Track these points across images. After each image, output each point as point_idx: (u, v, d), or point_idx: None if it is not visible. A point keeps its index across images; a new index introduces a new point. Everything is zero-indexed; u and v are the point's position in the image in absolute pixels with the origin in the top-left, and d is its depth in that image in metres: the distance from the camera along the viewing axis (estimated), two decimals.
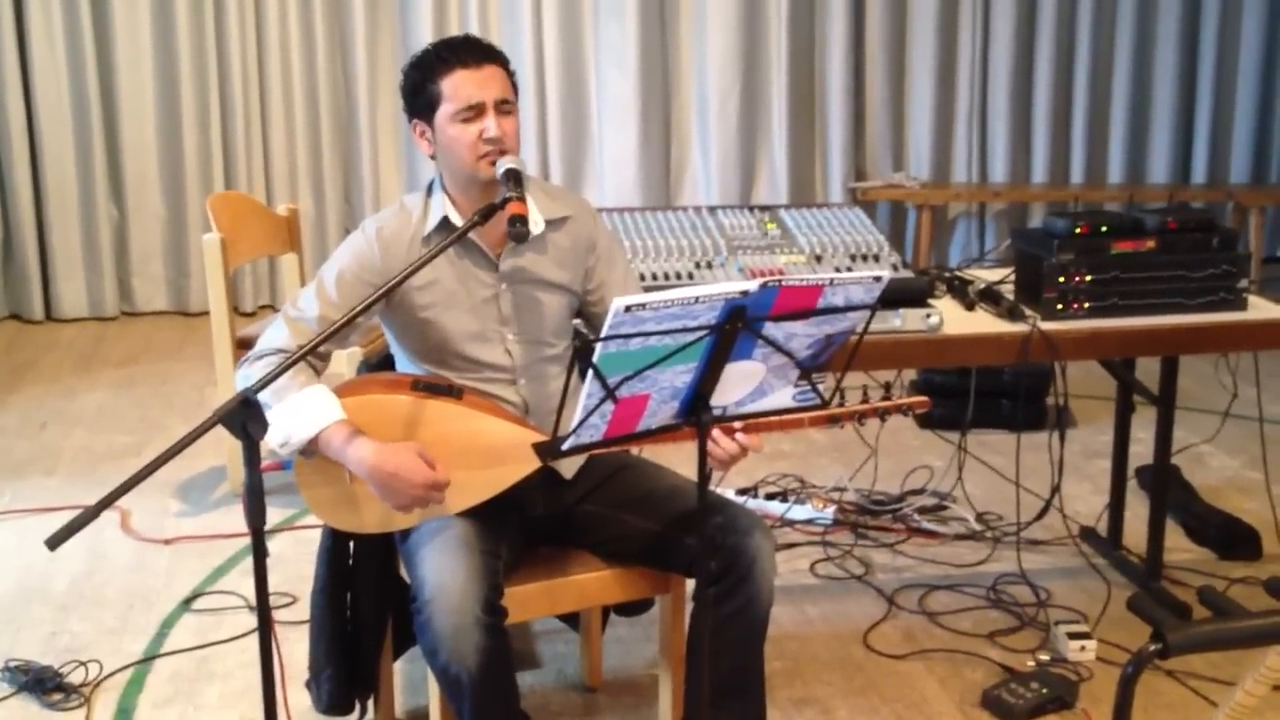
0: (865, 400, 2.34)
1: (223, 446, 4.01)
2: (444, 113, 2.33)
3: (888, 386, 2.40)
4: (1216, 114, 6.76)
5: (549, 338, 2.47)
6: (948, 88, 6.65)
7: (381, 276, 2.33)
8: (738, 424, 2.19)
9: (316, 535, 2.58)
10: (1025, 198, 6.71)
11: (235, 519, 3.82)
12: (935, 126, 6.66)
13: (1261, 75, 6.74)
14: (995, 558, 3.56)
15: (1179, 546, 3.62)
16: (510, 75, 2.38)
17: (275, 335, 2.35)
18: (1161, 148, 6.76)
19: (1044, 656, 3.03)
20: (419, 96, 2.36)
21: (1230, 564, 3.54)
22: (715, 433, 2.20)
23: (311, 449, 2.24)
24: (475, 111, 2.31)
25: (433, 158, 2.42)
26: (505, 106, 2.34)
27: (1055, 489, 3.43)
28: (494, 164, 2.31)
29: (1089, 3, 6.56)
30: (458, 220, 2.38)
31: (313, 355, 2.29)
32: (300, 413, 2.21)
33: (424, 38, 6.07)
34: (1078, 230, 2.99)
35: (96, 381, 5.23)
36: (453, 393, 2.33)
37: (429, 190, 2.45)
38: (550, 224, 2.45)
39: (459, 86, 2.31)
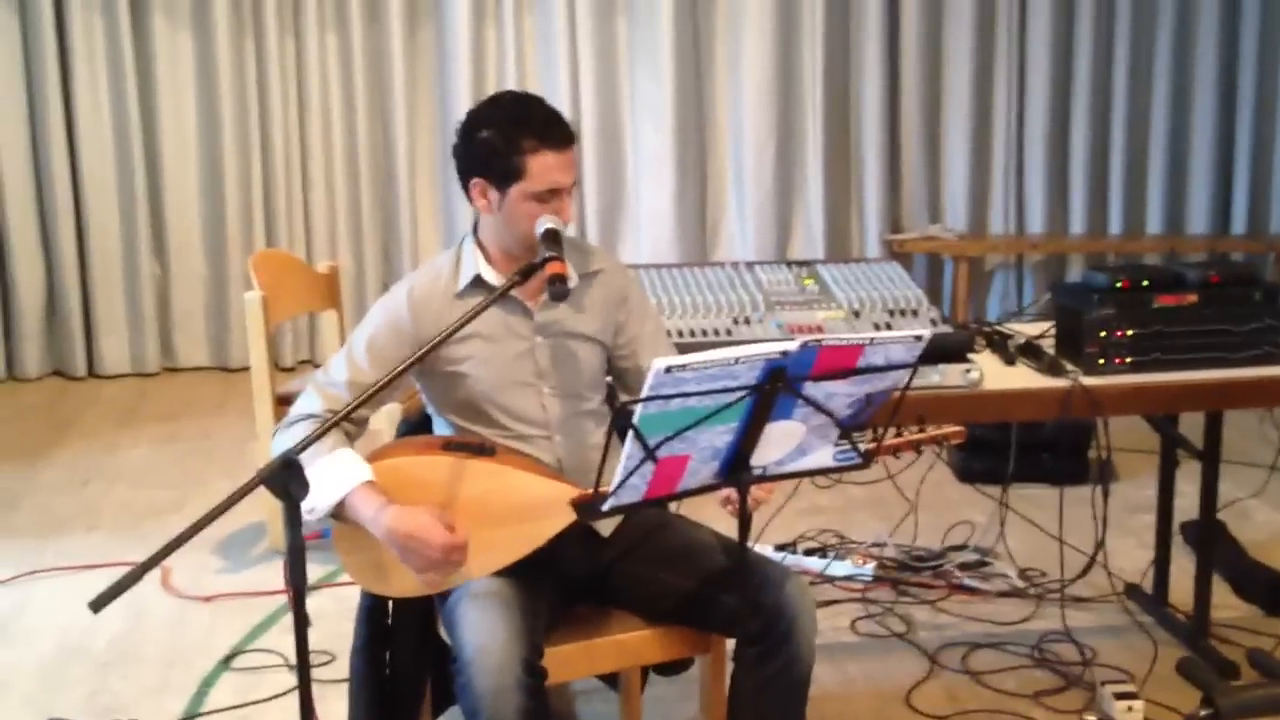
0: (899, 434, 2.32)
1: (262, 503, 4.00)
2: (522, 188, 2.32)
3: (921, 419, 2.36)
4: (1256, 164, 6.71)
5: (585, 391, 2.47)
6: (983, 138, 6.64)
7: (413, 338, 2.35)
8: None
9: (355, 593, 2.58)
10: (1063, 249, 6.67)
11: (275, 576, 3.83)
12: (971, 177, 6.64)
13: None
14: (1039, 615, 3.52)
15: (1226, 603, 3.56)
16: None
17: (306, 402, 2.37)
18: (1200, 198, 6.71)
19: (1090, 717, 2.98)
20: (494, 163, 2.33)
21: (1277, 621, 3.47)
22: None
23: (341, 513, 2.24)
24: (553, 193, 2.33)
25: (481, 211, 2.42)
26: (573, 186, 2.36)
27: (1099, 545, 3.39)
28: None
29: (1124, 52, 6.54)
30: (490, 276, 2.39)
31: (346, 421, 2.31)
32: (325, 478, 2.22)
33: (461, 97, 6.14)
34: (1118, 284, 2.97)
35: (138, 437, 5.28)
36: (485, 450, 2.33)
37: (460, 245, 2.46)
38: (583, 278, 2.46)
39: (546, 171, 2.31)
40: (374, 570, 2.32)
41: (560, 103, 6.26)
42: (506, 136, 2.32)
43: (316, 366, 5.68)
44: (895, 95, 6.56)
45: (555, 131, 2.32)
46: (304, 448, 1.97)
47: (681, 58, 6.33)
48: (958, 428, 2.36)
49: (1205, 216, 6.70)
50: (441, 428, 2.50)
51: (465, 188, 2.40)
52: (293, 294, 4.16)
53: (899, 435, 2.31)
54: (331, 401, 2.33)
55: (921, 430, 2.34)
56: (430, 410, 2.52)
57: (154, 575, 3.81)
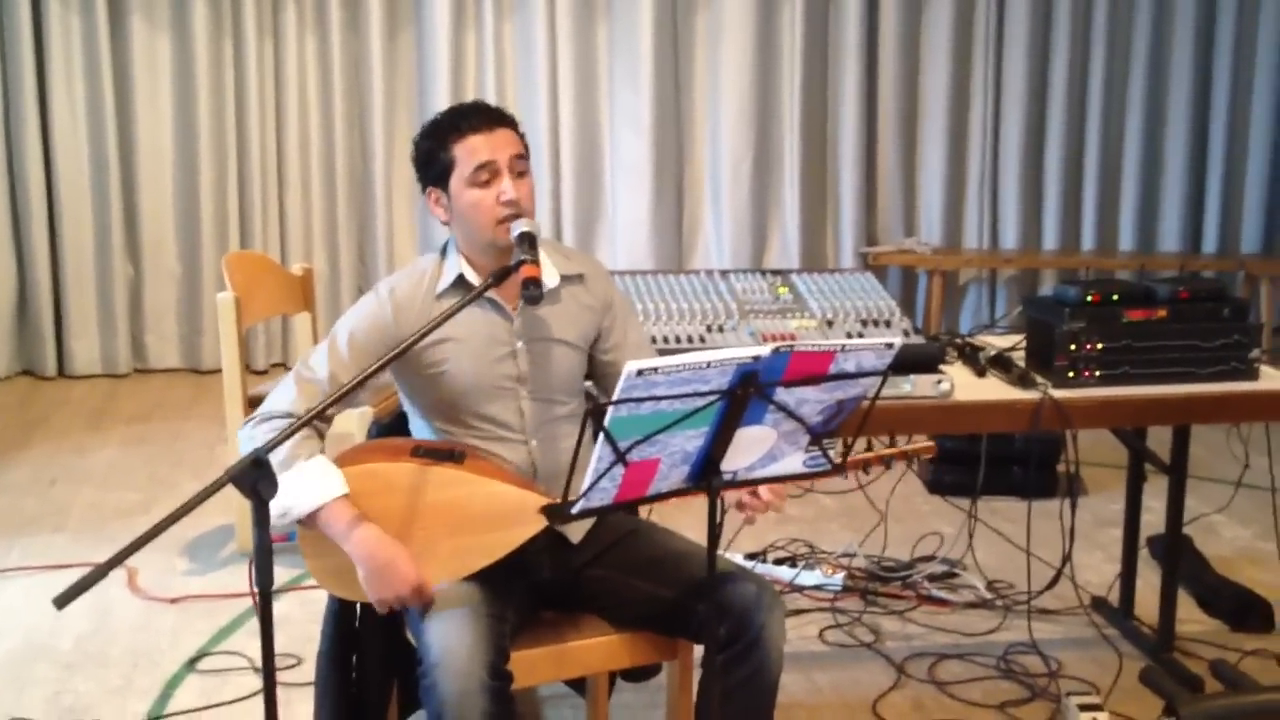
0: (870, 449, 2.33)
1: (231, 505, 4.00)
2: (459, 177, 2.34)
3: (892, 435, 2.38)
4: (1227, 183, 6.78)
5: (561, 395, 2.47)
6: (959, 153, 6.69)
7: (394, 337, 2.34)
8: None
9: (322, 596, 2.56)
10: (1036, 264, 6.72)
11: (242, 578, 3.81)
12: (946, 192, 6.69)
13: (1272, 145, 6.77)
14: (1006, 626, 3.53)
15: (1191, 618, 3.59)
16: (521, 137, 2.40)
17: (284, 396, 2.34)
18: (1172, 216, 6.78)
19: None
20: (432, 165, 2.37)
21: (1242, 636, 3.50)
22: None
23: (310, 522, 2.24)
24: (490, 172, 2.32)
25: (445, 224, 2.43)
26: (519, 164, 2.36)
27: (1066, 558, 3.41)
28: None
29: (1100, 70, 6.61)
30: (472, 277, 2.39)
31: (319, 418, 2.30)
32: (302, 486, 2.21)
33: (440, 102, 6.13)
34: (1089, 298, 2.99)
35: (107, 438, 5.24)
36: (454, 457, 2.33)
37: (444, 251, 2.46)
38: (565, 280, 2.45)
39: (473, 151, 2.32)
40: (339, 575, 2.30)
41: (539, 109, 6.30)
42: (435, 137, 2.37)
43: (289, 369, 5.67)
44: (872, 109, 6.61)
45: (476, 118, 2.35)
46: (273, 447, 1.95)
47: (661, 66, 6.36)
48: (929, 443, 2.38)
49: (1177, 235, 6.77)
50: (418, 427, 2.50)
51: (429, 206, 2.44)
52: (266, 296, 4.14)
53: (870, 450, 2.32)
54: (311, 399, 2.31)
55: (892, 445, 2.35)
56: (406, 408, 2.51)
57: (120, 576, 3.79)
